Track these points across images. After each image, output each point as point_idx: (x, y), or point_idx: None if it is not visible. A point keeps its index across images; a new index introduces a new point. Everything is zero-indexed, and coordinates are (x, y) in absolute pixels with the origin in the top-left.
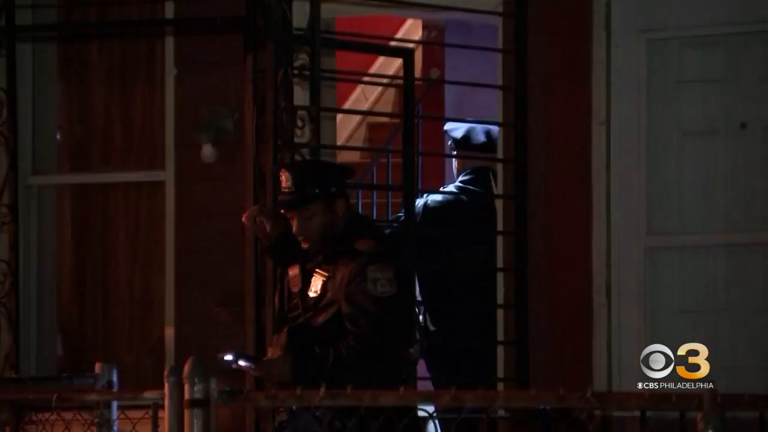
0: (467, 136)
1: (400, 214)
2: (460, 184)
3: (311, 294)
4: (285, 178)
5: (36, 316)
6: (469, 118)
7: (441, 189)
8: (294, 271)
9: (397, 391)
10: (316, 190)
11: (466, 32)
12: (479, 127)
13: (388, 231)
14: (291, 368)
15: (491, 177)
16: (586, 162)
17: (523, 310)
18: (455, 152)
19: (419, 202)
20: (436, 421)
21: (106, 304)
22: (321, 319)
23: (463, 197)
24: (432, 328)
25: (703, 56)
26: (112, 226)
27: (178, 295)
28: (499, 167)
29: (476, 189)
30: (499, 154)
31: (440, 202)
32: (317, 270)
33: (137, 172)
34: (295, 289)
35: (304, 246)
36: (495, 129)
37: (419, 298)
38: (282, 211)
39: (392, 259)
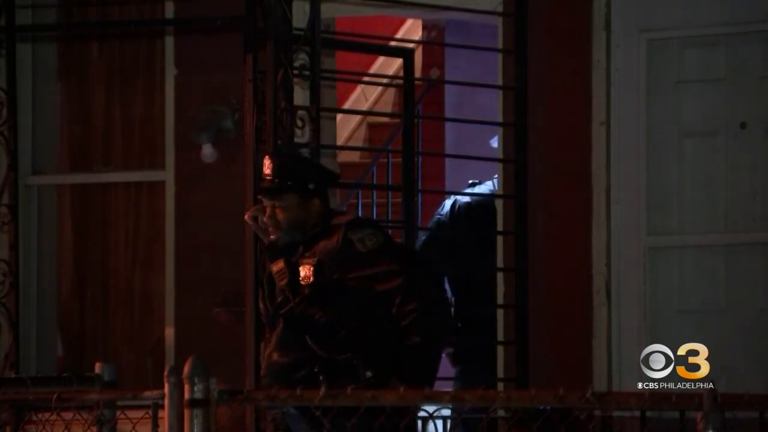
0: None
1: (437, 216)
2: (496, 183)
3: (303, 283)
4: (266, 165)
5: (36, 316)
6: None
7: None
8: (278, 266)
9: (397, 391)
10: (290, 182)
11: (466, 32)
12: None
13: (425, 234)
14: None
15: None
16: (586, 162)
17: (523, 310)
18: None
19: (447, 203)
20: (436, 421)
21: (106, 304)
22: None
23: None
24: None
25: (703, 56)
26: (112, 226)
27: (178, 295)
28: (499, 167)
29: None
30: (499, 154)
31: (469, 203)
32: (302, 259)
33: (137, 172)
34: (282, 283)
35: (272, 237)
36: None
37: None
38: (259, 196)
39: (369, 223)
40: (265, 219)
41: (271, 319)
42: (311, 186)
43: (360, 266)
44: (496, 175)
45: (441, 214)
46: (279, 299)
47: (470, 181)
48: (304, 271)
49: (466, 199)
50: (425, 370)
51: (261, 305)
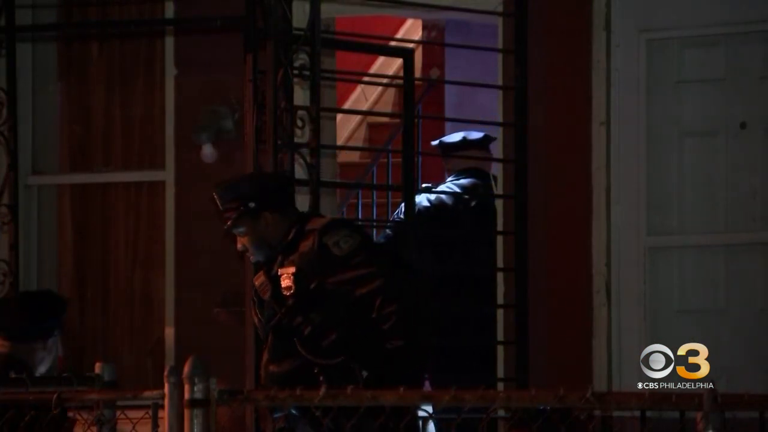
0: (465, 137)
1: (396, 218)
2: (451, 185)
3: (286, 293)
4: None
5: None
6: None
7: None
8: (260, 280)
9: (397, 391)
10: (232, 212)
11: (466, 32)
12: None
13: (384, 234)
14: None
15: (491, 178)
16: (586, 162)
17: (523, 310)
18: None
19: (403, 208)
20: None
21: (106, 304)
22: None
23: (446, 199)
24: None
25: (703, 56)
26: (112, 226)
27: (178, 295)
28: (499, 167)
29: (462, 189)
30: (499, 154)
31: (426, 206)
32: (281, 270)
33: (137, 172)
34: (266, 296)
35: (252, 260)
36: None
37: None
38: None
39: (344, 224)
40: (239, 250)
41: (264, 332)
42: (251, 204)
43: (338, 271)
44: (450, 177)
45: (400, 217)
46: (267, 312)
47: (424, 185)
48: (285, 282)
49: (425, 203)
50: (410, 373)
51: (255, 318)
